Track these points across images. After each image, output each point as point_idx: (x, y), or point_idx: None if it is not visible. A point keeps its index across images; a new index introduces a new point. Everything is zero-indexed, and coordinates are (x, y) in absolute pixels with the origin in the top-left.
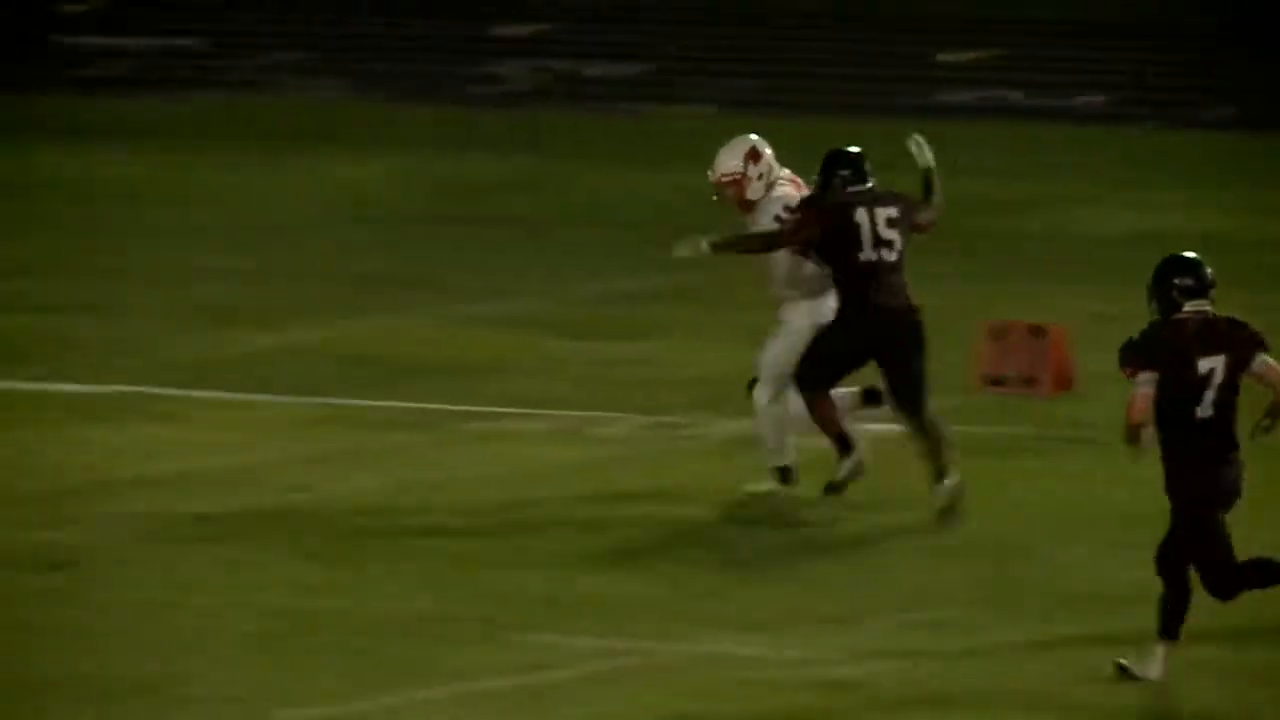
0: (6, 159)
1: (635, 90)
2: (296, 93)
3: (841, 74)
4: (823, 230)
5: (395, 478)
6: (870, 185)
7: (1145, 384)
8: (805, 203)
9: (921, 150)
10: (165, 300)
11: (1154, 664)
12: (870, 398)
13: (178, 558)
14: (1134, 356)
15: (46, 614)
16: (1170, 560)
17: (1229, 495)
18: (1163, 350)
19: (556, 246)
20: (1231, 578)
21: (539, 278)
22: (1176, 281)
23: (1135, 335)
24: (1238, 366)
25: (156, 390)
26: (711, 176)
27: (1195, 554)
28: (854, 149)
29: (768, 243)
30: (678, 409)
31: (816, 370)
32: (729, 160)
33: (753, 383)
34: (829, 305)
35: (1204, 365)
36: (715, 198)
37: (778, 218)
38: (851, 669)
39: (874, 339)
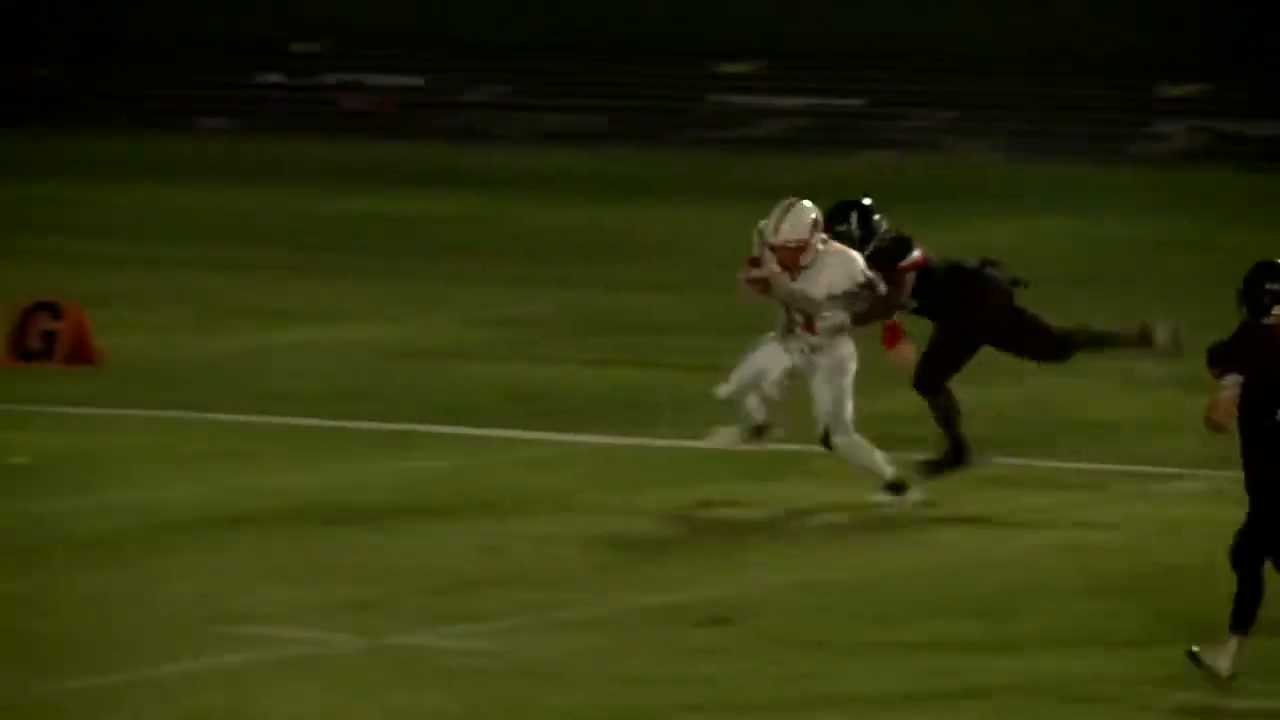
0: (657, 218)
1: None
2: (944, 152)
3: None
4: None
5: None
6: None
7: (1230, 386)
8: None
9: None
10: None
11: (1224, 657)
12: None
13: None
14: (1221, 358)
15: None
16: (1245, 555)
17: None
18: (1248, 354)
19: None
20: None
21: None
22: (1268, 286)
23: (1225, 337)
24: None
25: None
26: (772, 239)
27: (1276, 550)
28: None
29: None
30: None
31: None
32: (797, 228)
33: (825, 438)
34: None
35: None
36: (757, 257)
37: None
38: None
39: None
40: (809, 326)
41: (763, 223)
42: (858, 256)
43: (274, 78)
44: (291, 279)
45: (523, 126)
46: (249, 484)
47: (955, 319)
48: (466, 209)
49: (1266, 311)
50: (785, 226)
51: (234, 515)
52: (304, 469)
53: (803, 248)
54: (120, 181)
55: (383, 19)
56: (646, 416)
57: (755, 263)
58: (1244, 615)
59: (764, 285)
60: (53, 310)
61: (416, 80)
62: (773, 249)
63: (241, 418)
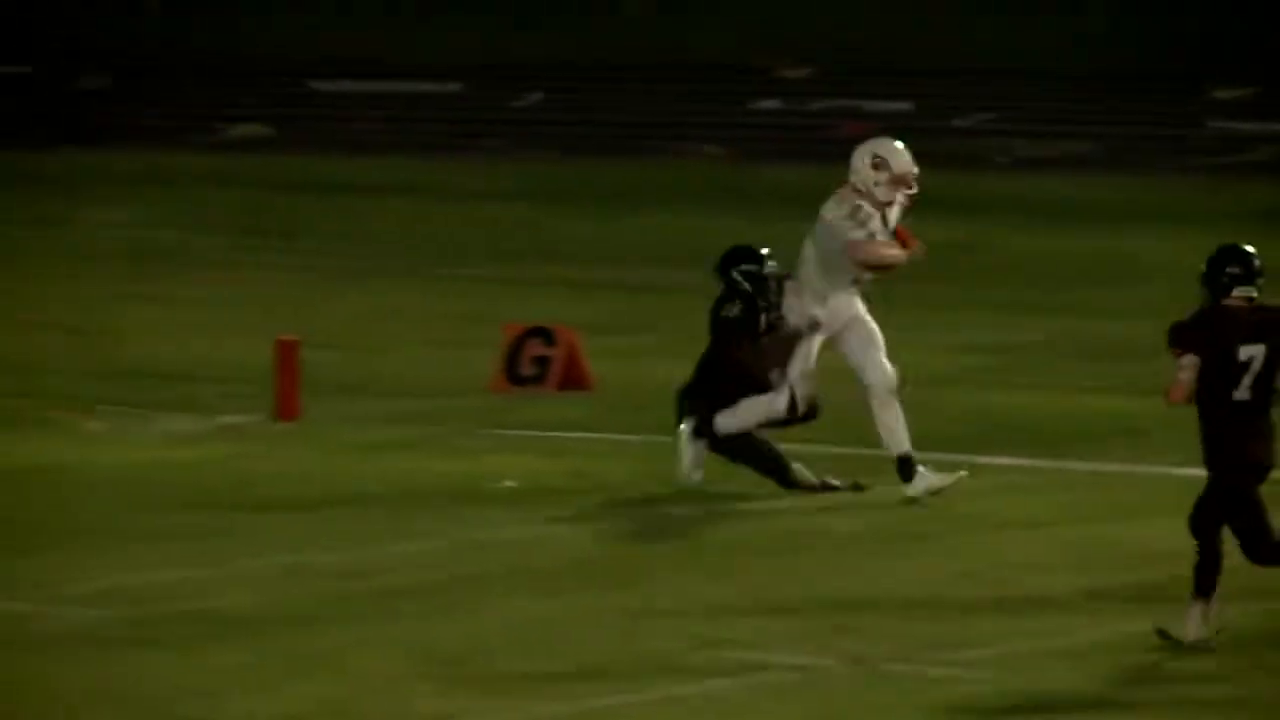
0: (1146, 245)
1: None
2: None
3: None
4: None
5: None
6: None
7: (1186, 368)
8: None
9: None
10: None
11: (1189, 623)
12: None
13: None
14: (1181, 339)
15: None
16: (1203, 523)
17: (1263, 468)
18: (1207, 336)
19: None
20: (1267, 544)
21: None
22: (1230, 270)
23: (1184, 318)
24: (1276, 355)
25: None
26: (911, 168)
27: (1234, 523)
28: None
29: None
30: None
31: None
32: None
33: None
34: None
35: (1245, 353)
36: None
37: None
38: None
39: None
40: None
41: (886, 156)
42: None
43: (768, 104)
44: None
45: (1009, 152)
46: (743, 509)
47: None
48: (952, 235)
49: (1227, 293)
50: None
51: (728, 541)
52: (784, 493)
53: None
54: (619, 208)
55: (871, 45)
56: (1135, 443)
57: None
58: (1204, 582)
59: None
60: (546, 336)
61: (906, 106)
62: (906, 182)
63: None
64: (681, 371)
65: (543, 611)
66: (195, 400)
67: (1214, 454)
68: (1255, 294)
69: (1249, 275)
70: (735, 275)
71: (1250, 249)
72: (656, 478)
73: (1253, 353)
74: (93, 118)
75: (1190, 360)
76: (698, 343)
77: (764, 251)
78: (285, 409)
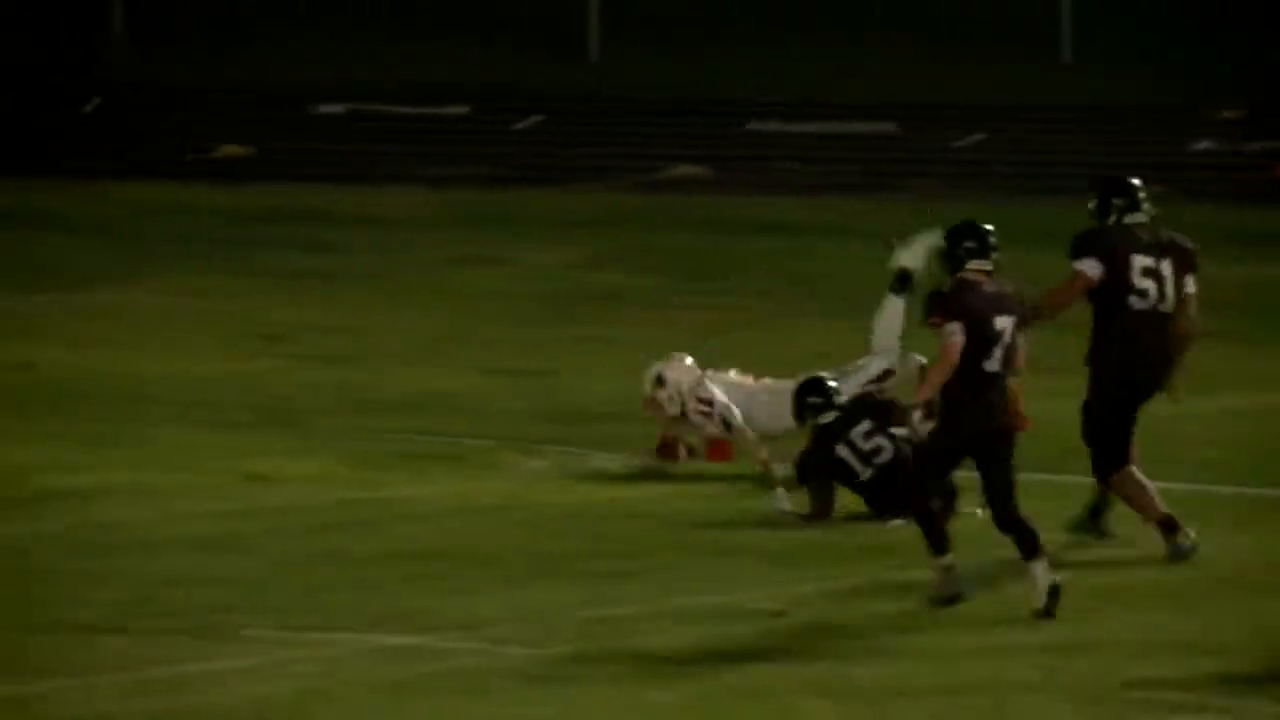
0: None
1: None
2: None
3: None
4: None
5: None
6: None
7: (952, 334)
8: None
9: None
10: None
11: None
12: None
13: None
14: (934, 308)
15: None
16: (923, 484)
17: (1006, 433)
18: (956, 306)
19: None
20: (1010, 508)
21: None
22: (965, 244)
23: (939, 290)
24: (1019, 327)
25: None
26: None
27: (919, 464)
28: None
29: None
30: None
31: None
32: None
33: None
34: None
35: (999, 323)
36: None
37: None
38: None
39: None
40: None
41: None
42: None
43: (1204, 144)
44: (1210, 344)
45: None
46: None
47: None
48: None
49: (962, 265)
50: None
51: (1159, 584)
52: (1242, 531)
53: None
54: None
55: None
56: None
57: None
58: (933, 539)
59: None
60: None
61: None
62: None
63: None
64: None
65: (970, 646)
66: (629, 440)
67: (952, 420)
68: (990, 268)
69: (984, 249)
70: None
71: (988, 226)
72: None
73: (1005, 324)
74: (525, 158)
75: (953, 327)
76: None
77: None
78: (717, 451)
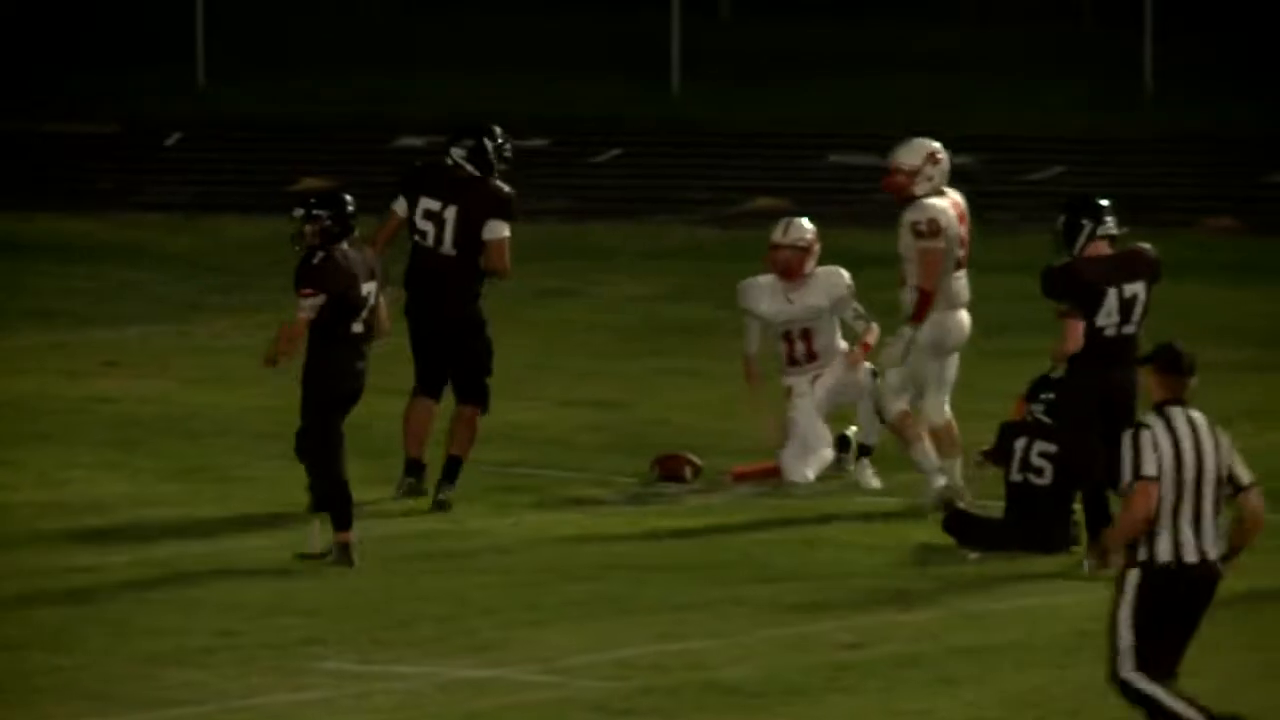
0: None
1: None
2: None
3: None
4: None
5: None
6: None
7: (306, 309)
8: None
9: None
10: None
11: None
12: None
13: None
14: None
15: None
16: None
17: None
18: None
19: None
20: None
21: None
22: None
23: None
24: None
25: None
26: (780, 239)
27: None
28: None
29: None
30: None
31: None
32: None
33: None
34: None
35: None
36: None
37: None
38: None
39: None
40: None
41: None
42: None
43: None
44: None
45: None
46: None
47: None
48: None
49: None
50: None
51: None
52: None
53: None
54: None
55: None
56: None
57: None
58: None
59: None
60: None
61: None
62: (777, 248)
63: None
64: None
65: (1043, 682)
66: (708, 473)
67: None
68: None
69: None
70: None
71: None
72: None
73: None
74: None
75: (311, 302)
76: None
77: None
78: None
